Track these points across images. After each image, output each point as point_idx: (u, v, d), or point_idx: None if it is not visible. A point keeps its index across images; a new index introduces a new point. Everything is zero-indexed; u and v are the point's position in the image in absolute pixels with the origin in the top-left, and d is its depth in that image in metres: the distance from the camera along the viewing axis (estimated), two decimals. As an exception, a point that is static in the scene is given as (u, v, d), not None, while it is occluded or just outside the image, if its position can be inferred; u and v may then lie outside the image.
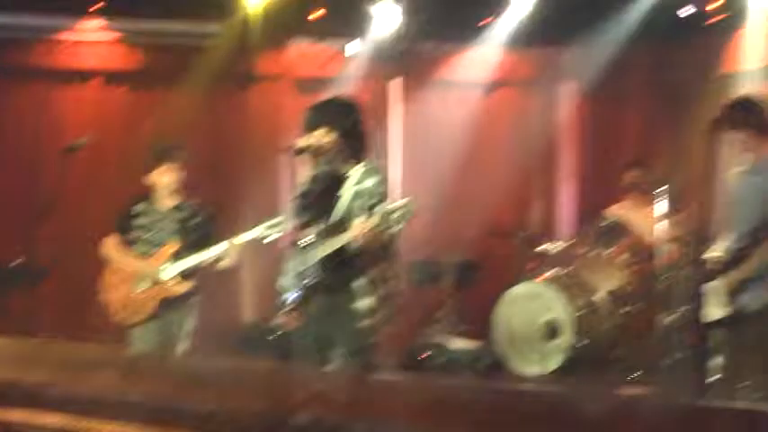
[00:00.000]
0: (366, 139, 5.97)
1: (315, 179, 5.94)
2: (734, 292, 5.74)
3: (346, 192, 5.83)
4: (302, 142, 5.84)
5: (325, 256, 5.75)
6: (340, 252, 5.72)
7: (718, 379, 5.93)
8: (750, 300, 5.75)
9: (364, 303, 5.81)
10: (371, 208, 5.67)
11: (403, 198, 5.73)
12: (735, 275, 5.74)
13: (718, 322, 5.77)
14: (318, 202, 5.88)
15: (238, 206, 9.56)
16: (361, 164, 5.89)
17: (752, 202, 5.82)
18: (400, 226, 5.59)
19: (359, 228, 5.61)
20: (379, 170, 5.92)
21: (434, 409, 2.72)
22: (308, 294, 5.83)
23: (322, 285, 5.81)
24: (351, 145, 5.90)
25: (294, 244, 5.91)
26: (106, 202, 9.00)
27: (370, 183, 5.79)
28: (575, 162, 10.39)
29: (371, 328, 5.85)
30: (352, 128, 5.91)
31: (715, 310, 5.81)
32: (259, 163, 9.73)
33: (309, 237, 5.82)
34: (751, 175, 5.89)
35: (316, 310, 5.86)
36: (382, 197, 5.77)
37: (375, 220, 5.55)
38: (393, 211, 5.55)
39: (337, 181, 5.89)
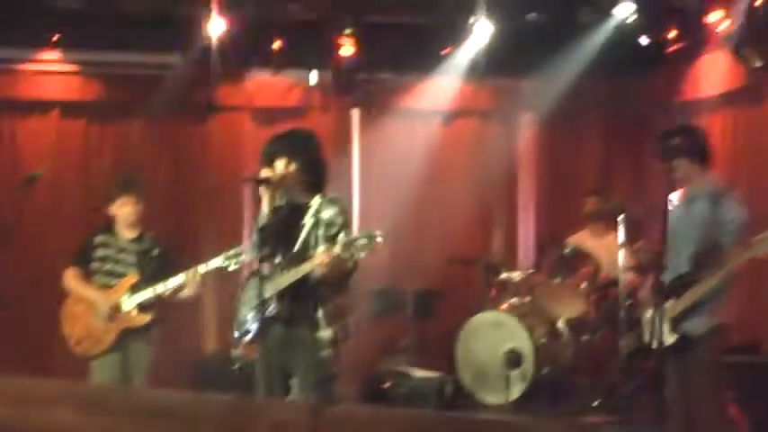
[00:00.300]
0: (325, 170, 6.01)
1: (276, 211, 5.93)
2: (677, 320, 5.80)
3: (307, 222, 5.86)
4: (263, 174, 5.85)
5: (286, 287, 5.76)
6: (300, 282, 5.74)
7: (671, 405, 5.97)
8: (694, 326, 5.81)
9: (325, 333, 5.81)
10: (333, 238, 5.73)
11: (362, 227, 5.76)
12: (677, 304, 5.80)
13: (667, 348, 5.82)
14: (280, 233, 5.88)
15: (198, 236, 9.54)
16: (321, 194, 5.92)
17: (689, 230, 5.89)
18: (362, 255, 5.61)
19: (320, 257, 5.64)
20: (339, 200, 5.95)
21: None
22: (267, 325, 5.82)
23: (281, 316, 5.81)
24: (310, 176, 5.93)
25: (254, 275, 5.89)
26: (64, 233, 8.96)
27: (330, 212, 5.84)
28: (534, 191, 10.44)
29: (331, 359, 5.85)
30: (311, 159, 5.96)
31: (666, 336, 5.86)
32: (219, 193, 9.71)
33: (270, 267, 5.83)
34: (687, 204, 5.96)
35: (275, 340, 5.85)
36: (343, 226, 5.82)
37: (337, 249, 5.59)
38: (355, 240, 5.58)
39: (298, 211, 5.91)
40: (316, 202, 5.90)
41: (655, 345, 5.68)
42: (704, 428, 5.80)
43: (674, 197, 6.05)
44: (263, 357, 5.89)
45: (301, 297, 5.78)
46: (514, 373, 8.06)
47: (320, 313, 5.81)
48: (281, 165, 5.85)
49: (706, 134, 6.24)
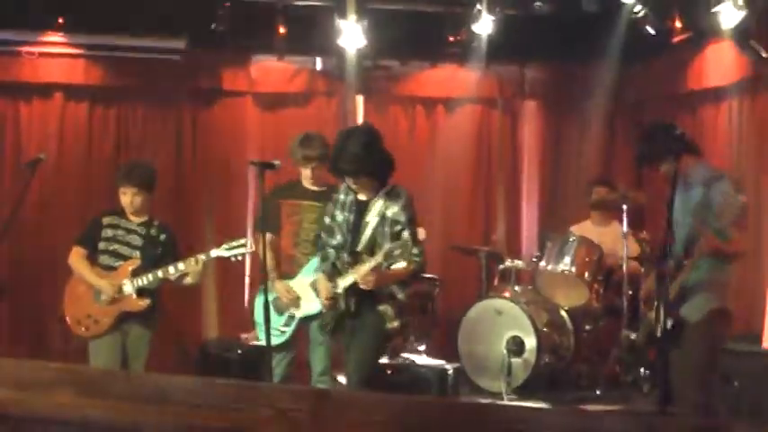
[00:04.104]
0: (390, 166, 6.11)
1: (337, 204, 6.22)
2: (672, 305, 5.81)
3: (371, 219, 6.04)
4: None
5: (351, 284, 6.03)
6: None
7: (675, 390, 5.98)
8: (688, 311, 5.83)
9: (390, 325, 6.08)
10: (398, 234, 5.97)
11: None
12: (673, 287, 5.82)
13: (666, 333, 5.84)
14: (350, 229, 6.14)
15: (202, 221, 9.54)
16: (385, 189, 6.08)
17: (685, 216, 5.92)
18: (400, 264, 5.90)
19: (363, 272, 5.89)
20: (402, 195, 6.04)
21: (399, 426, 2.70)
22: (340, 318, 6.14)
23: (349, 311, 6.09)
24: (377, 174, 6.06)
25: (325, 267, 6.24)
26: (67, 217, 8.96)
27: (394, 209, 6.03)
28: (538, 179, 10.42)
29: (387, 348, 6.17)
30: (377, 160, 6.03)
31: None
32: (223, 178, 9.70)
33: (343, 263, 6.12)
34: (686, 191, 5.98)
35: (347, 331, 6.16)
36: (407, 223, 6.02)
37: (379, 258, 5.84)
38: (393, 250, 5.80)
39: (362, 207, 6.11)
40: (380, 198, 6.06)
41: (658, 331, 5.70)
42: (691, 413, 5.81)
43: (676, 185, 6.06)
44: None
45: (368, 292, 6.01)
46: (516, 361, 8.07)
47: (385, 306, 6.08)
48: (350, 181, 6.05)
49: (676, 125, 6.28)
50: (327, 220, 6.28)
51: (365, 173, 5.98)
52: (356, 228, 6.09)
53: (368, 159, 5.96)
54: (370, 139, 6.03)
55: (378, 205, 6.04)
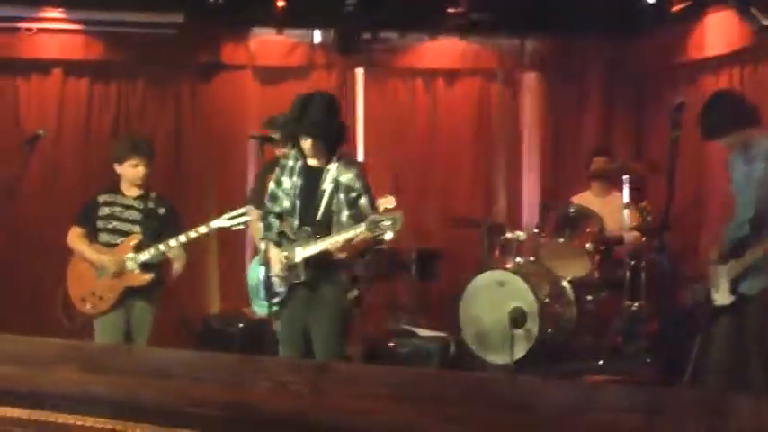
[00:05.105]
0: (343, 134, 6.08)
1: (292, 172, 6.09)
2: (736, 281, 5.77)
3: (326, 187, 5.91)
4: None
5: (312, 255, 5.91)
6: (325, 252, 5.88)
7: (719, 364, 5.96)
8: (749, 286, 5.78)
9: (350, 294, 5.98)
10: (354, 202, 5.91)
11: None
12: (737, 264, 5.77)
13: (723, 308, 5.82)
14: (300, 196, 6.03)
15: (202, 195, 9.53)
16: (336, 157, 5.99)
17: (749, 192, 5.84)
18: (387, 236, 5.76)
19: (348, 236, 5.79)
20: (355, 163, 6.06)
21: (400, 398, 2.71)
22: (294, 288, 6.01)
23: (307, 281, 5.98)
24: (328, 141, 5.97)
25: (279, 236, 6.08)
26: (67, 193, 8.96)
27: (348, 176, 5.96)
28: (537, 151, 10.40)
29: (351, 317, 6.07)
30: (331, 126, 5.99)
31: (721, 295, 5.85)
32: (222, 152, 9.69)
33: (291, 230, 6.00)
34: (749, 164, 5.90)
35: (299, 302, 6.04)
36: (363, 190, 5.96)
37: (363, 228, 5.73)
38: (381, 222, 5.71)
39: (316, 175, 6.01)
40: (333, 166, 5.98)
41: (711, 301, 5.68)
42: (748, 389, 5.78)
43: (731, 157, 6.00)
44: (287, 318, 6.10)
45: (326, 263, 5.92)
46: (518, 333, 8.07)
47: (343, 276, 6.02)
48: (307, 144, 5.91)
49: (741, 95, 6.16)
50: (273, 185, 6.17)
51: (324, 137, 5.92)
52: (309, 195, 6.00)
53: (329, 124, 5.93)
54: (331, 106, 6.02)
55: (331, 172, 5.97)
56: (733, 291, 5.79)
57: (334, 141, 6.00)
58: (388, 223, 5.68)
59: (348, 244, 5.83)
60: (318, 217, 5.95)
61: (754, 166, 5.87)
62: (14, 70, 9.42)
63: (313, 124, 5.90)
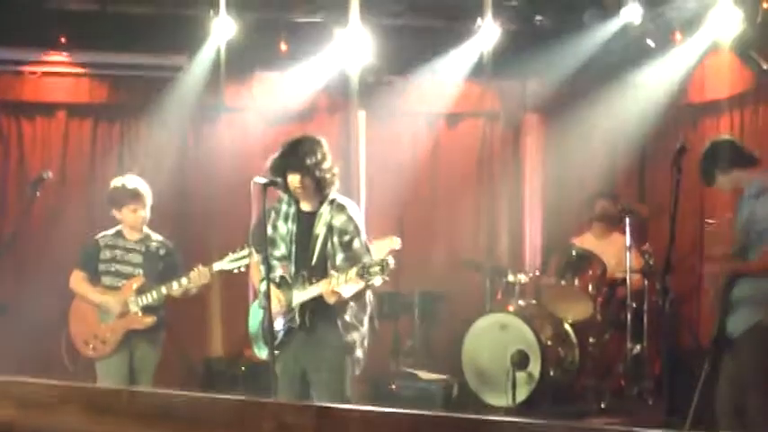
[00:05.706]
0: (334, 177, 6.03)
1: (287, 217, 6.10)
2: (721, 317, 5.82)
3: (320, 230, 5.91)
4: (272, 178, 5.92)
5: (307, 299, 5.90)
6: (320, 297, 5.86)
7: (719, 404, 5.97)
8: (733, 325, 5.80)
9: (349, 338, 5.91)
10: (348, 245, 5.89)
11: (368, 230, 5.86)
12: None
13: (714, 345, 5.86)
14: (296, 241, 6.04)
15: (205, 237, 9.52)
16: (328, 201, 5.97)
17: (743, 223, 5.90)
18: (376, 281, 5.72)
19: (335, 285, 5.75)
20: (347, 206, 6.00)
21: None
22: (291, 332, 6.01)
23: (304, 325, 5.96)
24: (320, 184, 5.95)
25: (280, 279, 6.06)
26: (70, 235, 8.96)
27: (341, 220, 5.94)
28: (540, 193, 10.41)
29: (353, 362, 6.02)
30: (321, 168, 5.97)
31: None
32: (226, 194, 9.69)
33: (288, 273, 6.01)
34: (758, 197, 5.95)
35: (297, 346, 6.02)
36: (355, 233, 5.94)
37: (352, 274, 5.69)
38: (370, 267, 5.67)
39: (309, 219, 6.01)
40: (325, 209, 5.97)
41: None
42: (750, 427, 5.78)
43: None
44: (284, 362, 6.07)
45: (322, 306, 5.89)
46: (521, 375, 8.06)
47: (339, 321, 5.96)
48: (295, 180, 5.90)
49: (734, 136, 6.25)
50: (270, 230, 6.15)
51: (311, 176, 5.91)
52: (303, 240, 6.00)
53: (316, 163, 5.92)
54: (319, 147, 6.00)
55: (324, 216, 5.97)
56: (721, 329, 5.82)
57: (324, 184, 5.98)
58: (377, 269, 5.64)
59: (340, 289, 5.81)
60: (313, 262, 5.95)
61: (751, 201, 5.94)
62: (19, 112, 9.46)
63: (299, 161, 5.89)
